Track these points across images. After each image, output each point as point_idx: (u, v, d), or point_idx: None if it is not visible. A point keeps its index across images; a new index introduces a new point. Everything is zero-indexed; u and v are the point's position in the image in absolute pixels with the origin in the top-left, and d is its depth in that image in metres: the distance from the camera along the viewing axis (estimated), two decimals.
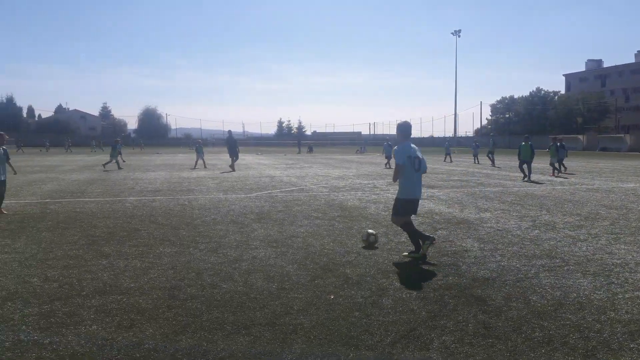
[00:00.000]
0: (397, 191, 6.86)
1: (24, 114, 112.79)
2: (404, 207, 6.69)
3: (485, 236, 8.00)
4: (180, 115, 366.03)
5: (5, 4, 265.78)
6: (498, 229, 8.60)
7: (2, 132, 11.17)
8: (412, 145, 6.76)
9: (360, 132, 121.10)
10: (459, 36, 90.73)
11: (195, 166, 26.93)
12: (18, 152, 53.24)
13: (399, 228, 7.38)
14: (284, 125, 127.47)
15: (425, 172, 6.95)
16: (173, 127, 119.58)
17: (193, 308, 4.69)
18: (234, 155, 24.59)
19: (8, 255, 6.69)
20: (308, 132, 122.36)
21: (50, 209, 11.00)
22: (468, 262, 6.36)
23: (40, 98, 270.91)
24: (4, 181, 10.40)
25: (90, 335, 4.06)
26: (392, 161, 29.14)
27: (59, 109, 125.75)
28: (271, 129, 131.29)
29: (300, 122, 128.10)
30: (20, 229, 8.59)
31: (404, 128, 6.93)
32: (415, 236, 6.63)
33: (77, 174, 22.19)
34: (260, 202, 12.14)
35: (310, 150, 57.95)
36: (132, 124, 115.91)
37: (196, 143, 29.60)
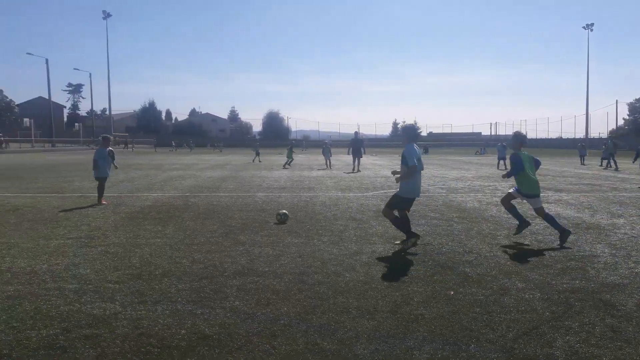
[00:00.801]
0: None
1: (163, 117, 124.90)
2: (401, 204, 7.13)
3: (618, 242, 7.54)
4: (300, 118, 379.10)
5: (148, 21, 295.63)
6: (633, 236, 8.04)
7: (108, 135, 12.93)
8: (415, 146, 7.13)
9: (481, 133, 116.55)
10: (592, 30, 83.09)
11: (327, 166, 27.63)
12: (155, 152, 59.16)
13: (519, 232, 7.41)
14: (398, 126, 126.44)
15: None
16: (293, 129, 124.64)
17: (320, 292, 5.12)
18: (358, 156, 25.03)
19: (161, 240, 7.71)
20: (424, 133, 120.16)
21: (191, 202, 12.29)
22: (597, 267, 6.10)
23: (177, 103, 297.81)
24: (106, 177, 12.18)
25: (234, 310, 4.65)
26: (507, 162, 28.67)
27: (193, 113, 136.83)
28: (386, 130, 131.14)
29: (415, 123, 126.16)
30: (168, 218, 9.77)
31: (411, 131, 7.42)
32: (407, 227, 7.09)
33: (210, 171, 24.23)
34: (376, 201, 12.44)
35: (426, 151, 57.02)
36: (257, 127, 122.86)
37: (323, 144, 30.77)
